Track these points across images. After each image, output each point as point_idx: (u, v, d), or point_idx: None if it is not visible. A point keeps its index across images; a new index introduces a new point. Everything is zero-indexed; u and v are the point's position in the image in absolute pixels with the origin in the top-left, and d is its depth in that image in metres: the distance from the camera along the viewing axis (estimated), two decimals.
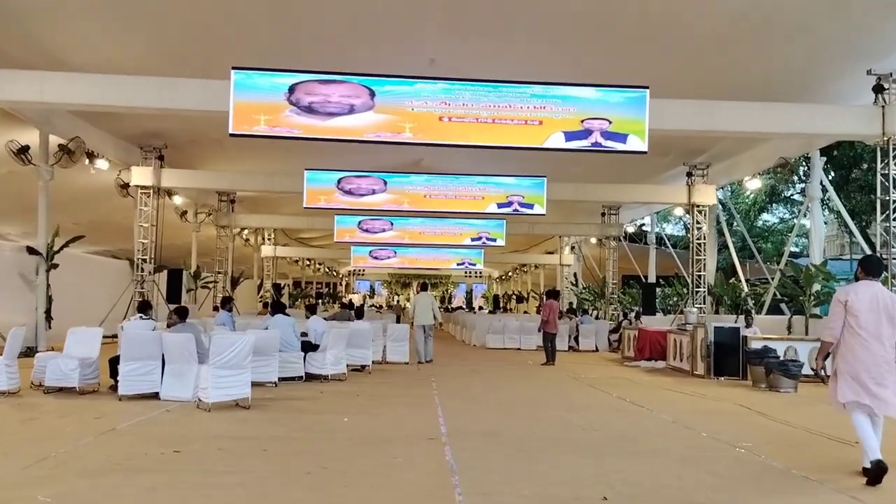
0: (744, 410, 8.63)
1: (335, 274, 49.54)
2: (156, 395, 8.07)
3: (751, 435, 6.89)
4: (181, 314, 8.60)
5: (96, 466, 5.11)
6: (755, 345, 11.86)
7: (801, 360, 11.02)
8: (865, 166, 24.42)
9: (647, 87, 10.72)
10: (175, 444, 5.78)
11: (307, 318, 11.59)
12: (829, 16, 10.19)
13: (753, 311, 15.51)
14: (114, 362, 8.43)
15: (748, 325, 13.24)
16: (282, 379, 9.75)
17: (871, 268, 5.56)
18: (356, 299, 45.18)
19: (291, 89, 10.49)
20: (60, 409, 7.48)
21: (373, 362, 12.15)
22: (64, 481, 4.74)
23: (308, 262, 40.82)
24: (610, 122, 10.75)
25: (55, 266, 14.11)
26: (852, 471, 5.36)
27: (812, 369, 8.14)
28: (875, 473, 5.03)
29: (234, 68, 10.35)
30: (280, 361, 9.71)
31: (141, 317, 9.56)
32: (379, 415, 7.83)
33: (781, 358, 11.09)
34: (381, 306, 43.04)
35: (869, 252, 15.39)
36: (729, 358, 12.25)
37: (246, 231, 27.87)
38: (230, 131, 10.48)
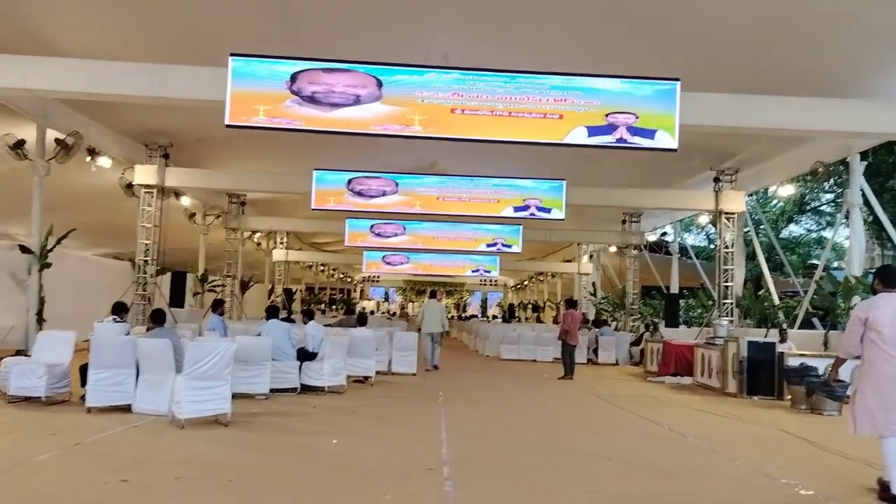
0: (789, 437, 7.66)
1: (349, 280, 48.85)
2: (128, 408, 7.28)
3: (805, 470, 5.92)
4: (157, 318, 7.78)
5: (19, 500, 4.27)
6: (792, 362, 10.87)
7: (846, 379, 10.01)
8: None
9: (677, 80, 9.82)
10: (128, 469, 4.92)
11: (304, 323, 10.78)
12: (877, 3, 9.27)
13: (786, 325, 14.49)
14: (85, 370, 7.63)
15: (783, 340, 12.27)
16: (275, 390, 8.97)
17: (889, 279, 5.27)
18: (370, 306, 44.58)
19: (293, 78, 9.70)
20: (14, 423, 6.68)
21: (377, 373, 11.31)
22: None
23: (322, 268, 40.16)
24: (637, 117, 9.85)
25: (48, 265, 13.45)
26: None
27: (831, 381, 7.34)
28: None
29: (232, 55, 9.63)
30: (273, 371, 8.95)
31: (115, 319, 8.69)
32: (374, 436, 6.93)
33: (823, 377, 10.09)
34: (393, 313, 42.37)
35: None
36: (763, 375, 11.28)
37: (258, 235, 27.26)
38: (226, 122, 9.72)
